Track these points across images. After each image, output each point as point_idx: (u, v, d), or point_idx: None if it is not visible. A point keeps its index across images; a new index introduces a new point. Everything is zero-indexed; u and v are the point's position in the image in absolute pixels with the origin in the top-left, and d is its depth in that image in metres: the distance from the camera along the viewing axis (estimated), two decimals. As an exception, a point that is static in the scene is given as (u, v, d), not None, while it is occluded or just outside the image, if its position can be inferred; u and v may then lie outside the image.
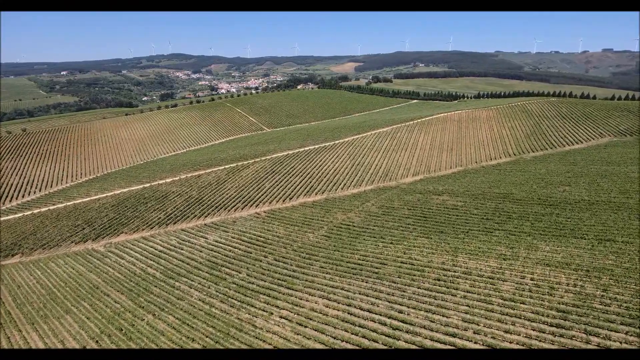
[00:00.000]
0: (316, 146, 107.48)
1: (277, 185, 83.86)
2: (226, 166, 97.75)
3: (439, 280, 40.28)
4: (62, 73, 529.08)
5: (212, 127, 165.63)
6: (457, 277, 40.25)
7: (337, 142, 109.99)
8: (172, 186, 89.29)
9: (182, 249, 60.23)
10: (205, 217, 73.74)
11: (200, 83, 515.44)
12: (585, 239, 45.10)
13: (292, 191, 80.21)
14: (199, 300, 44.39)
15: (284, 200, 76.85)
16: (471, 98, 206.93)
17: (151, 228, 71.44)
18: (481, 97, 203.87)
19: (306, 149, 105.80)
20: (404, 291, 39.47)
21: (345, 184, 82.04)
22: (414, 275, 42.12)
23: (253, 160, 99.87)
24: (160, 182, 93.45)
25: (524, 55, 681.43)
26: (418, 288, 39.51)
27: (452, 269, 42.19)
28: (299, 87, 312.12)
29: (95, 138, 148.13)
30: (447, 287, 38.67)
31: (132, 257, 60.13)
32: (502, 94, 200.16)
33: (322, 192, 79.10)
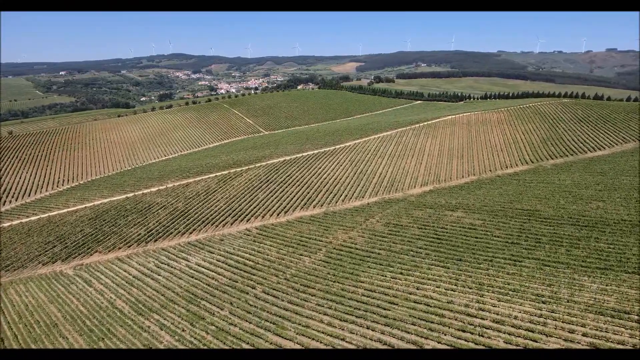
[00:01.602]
0: (315, 151, 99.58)
1: (272, 196, 76.00)
2: (217, 174, 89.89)
3: (463, 331, 32.26)
4: (60, 73, 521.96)
5: (207, 129, 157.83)
6: (487, 328, 32.23)
7: (337, 146, 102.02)
8: (157, 196, 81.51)
9: (159, 275, 52.42)
10: (190, 233, 65.97)
11: (200, 83, 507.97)
12: (639, 274, 37.07)
13: (288, 203, 72.35)
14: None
15: (278, 214, 69.01)
16: (477, 99, 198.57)
17: (129, 246, 63.70)
18: (488, 97, 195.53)
19: (305, 154, 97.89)
20: (420, 346, 31.49)
21: (346, 196, 74.10)
22: (432, 321, 34.13)
23: (247, 167, 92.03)
24: (145, 191, 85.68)
25: (526, 55, 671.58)
26: (438, 343, 31.45)
27: (478, 314, 34.17)
28: (299, 87, 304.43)
29: (83, 141, 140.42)
30: (476, 343, 30.63)
31: (101, 283, 52.35)
32: (510, 94, 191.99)
33: (321, 205, 71.22)
